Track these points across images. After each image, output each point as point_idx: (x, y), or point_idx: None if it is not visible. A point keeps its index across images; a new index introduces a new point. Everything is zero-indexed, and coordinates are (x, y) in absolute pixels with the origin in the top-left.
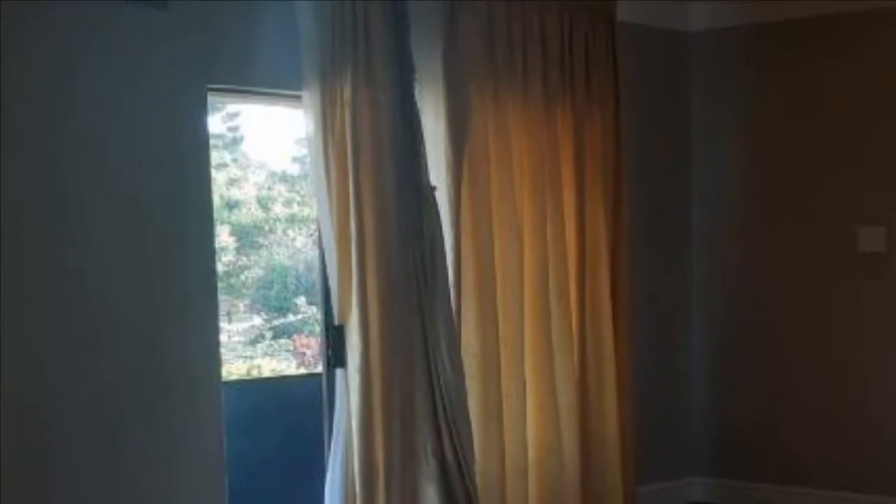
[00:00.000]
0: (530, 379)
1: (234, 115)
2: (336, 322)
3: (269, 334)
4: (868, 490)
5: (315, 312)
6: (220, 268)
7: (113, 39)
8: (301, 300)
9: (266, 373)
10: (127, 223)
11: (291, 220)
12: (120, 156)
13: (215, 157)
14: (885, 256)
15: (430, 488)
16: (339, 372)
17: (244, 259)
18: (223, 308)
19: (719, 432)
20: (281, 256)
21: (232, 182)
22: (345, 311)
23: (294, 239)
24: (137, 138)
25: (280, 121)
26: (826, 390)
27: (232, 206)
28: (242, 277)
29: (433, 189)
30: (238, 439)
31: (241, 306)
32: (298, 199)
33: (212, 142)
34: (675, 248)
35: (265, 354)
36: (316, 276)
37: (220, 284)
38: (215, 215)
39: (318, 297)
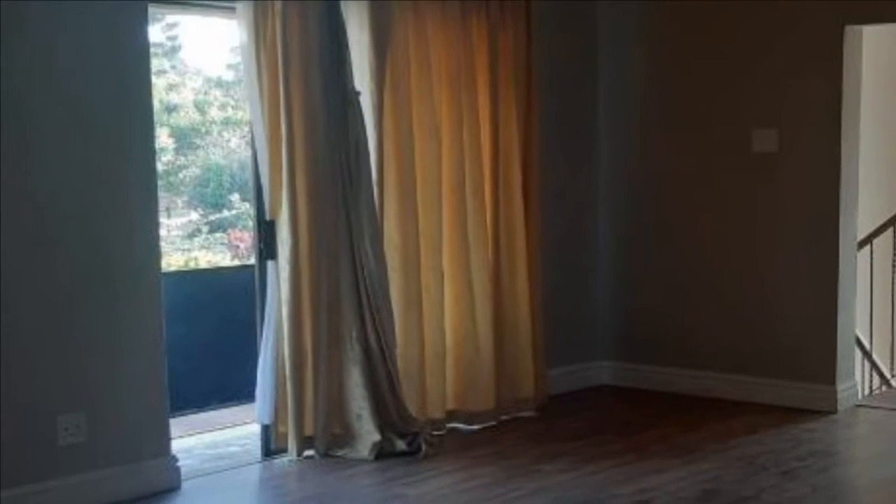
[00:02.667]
0: (448, 270)
1: (173, 26)
2: (267, 217)
3: (205, 229)
4: (761, 373)
5: (248, 208)
6: (159, 167)
7: None
8: (235, 197)
9: (203, 264)
10: (73, 127)
11: (226, 122)
12: (66, 65)
13: (155, 64)
14: (777, 156)
15: (355, 371)
16: (270, 263)
17: (182, 159)
18: (163, 204)
19: (623, 320)
20: (216, 156)
21: (171, 87)
22: (276, 207)
23: (229, 140)
24: (82, 48)
25: (215, 31)
26: (723, 281)
27: (171, 109)
28: (181, 176)
29: (358, 94)
30: (177, 326)
31: (180, 203)
32: (233, 103)
33: (152, 50)
34: (581, 150)
35: (202, 247)
36: (249, 174)
37: (159, 182)
38: (155, 118)
39: (251, 194)
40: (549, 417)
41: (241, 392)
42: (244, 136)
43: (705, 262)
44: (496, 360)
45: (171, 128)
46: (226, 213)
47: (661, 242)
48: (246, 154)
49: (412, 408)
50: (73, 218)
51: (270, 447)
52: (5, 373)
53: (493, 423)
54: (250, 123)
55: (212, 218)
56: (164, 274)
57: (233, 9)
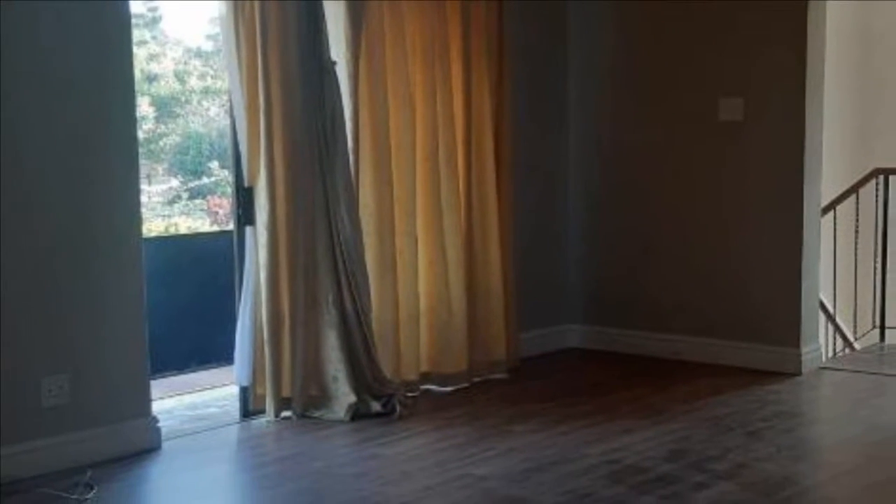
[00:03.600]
0: (421, 235)
1: None
2: (246, 184)
3: (185, 195)
4: (727, 336)
5: (227, 175)
6: (140, 135)
7: None
8: (214, 164)
9: (182, 230)
10: (56, 96)
11: (205, 91)
12: (50, 36)
13: (136, 35)
14: (742, 124)
15: (331, 334)
16: (248, 229)
17: (163, 127)
18: (144, 171)
19: (593, 284)
20: (196, 125)
21: (152, 57)
22: (254, 174)
23: (208, 109)
24: (66, 20)
25: (195, 2)
26: (690, 246)
27: (152, 79)
28: (161, 144)
29: (334, 64)
30: (157, 290)
31: (160, 170)
32: (212, 73)
33: (133, 21)
34: (552, 117)
35: (182, 213)
36: (227, 142)
37: (140, 150)
38: (136, 88)
39: (230, 162)
40: (520, 379)
41: (219, 354)
42: (223, 105)
43: (673, 228)
44: (469, 323)
45: (152, 97)
46: (205, 180)
47: (631, 209)
48: (225, 122)
49: (387, 370)
50: (57, 185)
51: (248, 408)
52: None
53: (466, 384)
54: (229, 93)
55: (191, 185)
56: (145, 239)
57: None
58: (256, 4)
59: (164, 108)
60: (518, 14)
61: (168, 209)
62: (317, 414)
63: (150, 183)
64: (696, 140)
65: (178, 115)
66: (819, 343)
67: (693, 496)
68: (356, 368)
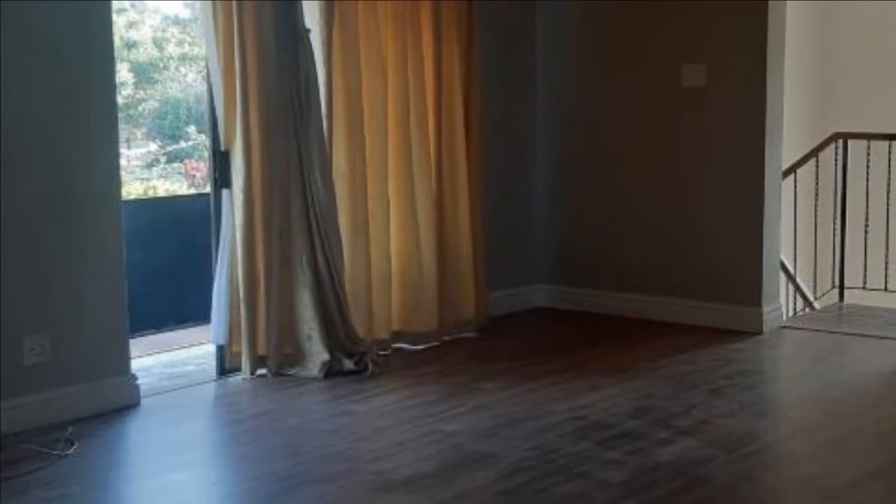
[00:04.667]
0: (393, 198)
1: None
2: (222, 148)
3: (163, 159)
4: (690, 296)
5: (204, 139)
6: (120, 100)
7: None
8: (192, 129)
9: (161, 193)
10: (38, 63)
11: (183, 58)
12: (32, 5)
13: (115, 3)
14: (705, 90)
15: (305, 294)
16: (225, 192)
17: (141, 93)
18: (123, 136)
19: (561, 245)
20: (174, 90)
21: (130, 25)
22: (230, 138)
23: (185, 75)
24: None
25: None
26: (654, 208)
27: (131, 45)
28: (140, 109)
29: (308, 31)
30: (136, 251)
31: (139, 134)
32: (189, 40)
33: None
34: (520, 84)
35: (160, 177)
36: (205, 107)
37: (120, 115)
38: (116, 54)
39: (207, 126)
40: (489, 338)
41: (197, 314)
42: (200, 72)
43: (638, 190)
44: (439, 283)
45: (131, 63)
46: (183, 144)
47: (596, 172)
48: (202, 88)
49: (359, 329)
50: (38, 149)
51: (225, 366)
52: None
53: (437, 343)
54: (206, 59)
55: (169, 149)
56: (124, 202)
57: None
58: None
59: (143, 74)
60: None
61: (147, 172)
62: (291, 371)
63: (129, 147)
64: (660, 105)
65: (156, 81)
66: (780, 303)
67: (657, 452)
68: (329, 327)
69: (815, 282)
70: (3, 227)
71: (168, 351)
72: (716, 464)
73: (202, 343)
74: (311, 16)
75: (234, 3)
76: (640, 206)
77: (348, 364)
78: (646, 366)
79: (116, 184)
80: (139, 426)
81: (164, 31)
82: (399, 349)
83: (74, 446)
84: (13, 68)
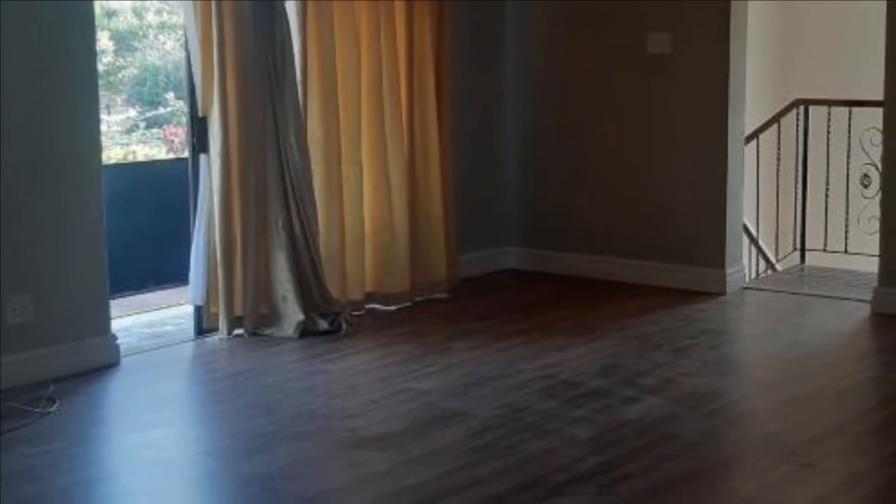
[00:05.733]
0: (366, 163)
1: None
2: (200, 114)
3: (142, 124)
4: (656, 258)
5: (182, 106)
6: (100, 67)
7: None
8: (170, 95)
9: (140, 158)
10: (21, 32)
11: (162, 26)
12: None
13: None
14: (670, 57)
15: (281, 256)
16: (202, 157)
17: (121, 60)
18: (103, 102)
19: (529, 209)
20: (153, 58)
21: None
22: (207, 104)
23: (164, 43)
24: None
25: None
26: (620, 172)
27: (111, 14)
28: (120, 76)
29: (283, 0)
30: (116, 214)
31: (119, 100)
32: (168, 8)
33: None
34: (490, 53)
35: (139, 142)
36: (183, 74)
37: (100, 82)
38: (96, 23)
39: (185, 93)
40: (460, 299)
41: (175, 275)
42: (179, 40)
43: (605, 155)
44: (411, 245)
45: (111, 31)
46: (161, 110)
47: (564, 138)
48: (180, 56)
49: (333, 290)
50: (21, 115)
51: (202, 326)
52: None
53: (409, 304)
54: (184, 28)
55: (148, 114)
56: (105, 166)
57: None
58: None
59: (123, 42)
60: None
61: (126, 138)
62: (267, 332)
63: (109, 113)
64: (626, 73)
65: (135, 49)
66: (743, 264)
67: (623, 409)
68: (304, 288)
69: (776, 244)
70: None
71: (147, 311)
72: (680, 421)
73: (180, 304)
74: None
75: None
76: (606, 171)
77: (323, 324)
78: (612, 326)
79: (97, 148)
80: (119, 384)
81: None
82: (372, 310)
83: (56, 404)
84: None
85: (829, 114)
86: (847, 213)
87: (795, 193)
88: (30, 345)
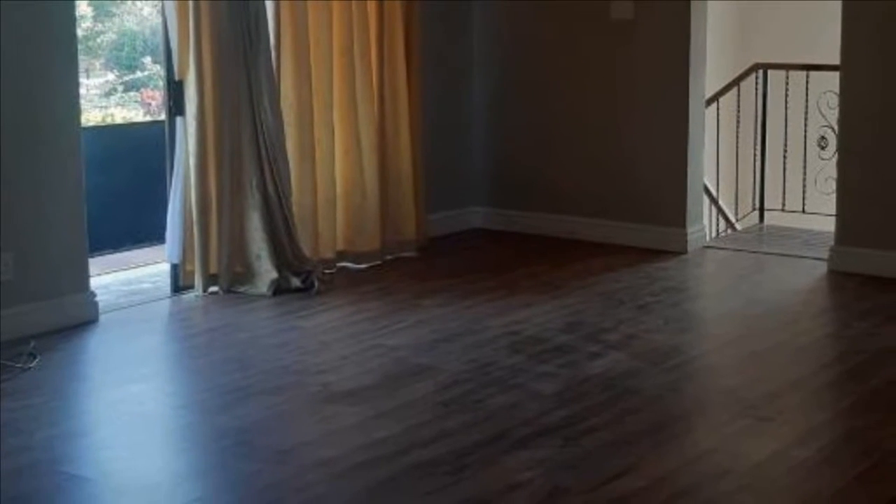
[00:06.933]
0: (338, 125)
1: None
2: (176, 78)
3: (120, 88)
4: (619, 217)
5: (159, 70)
6: (79, 33)
7: None
8: (147, 60)
9: (118, 120)
10: None
11: None
12: None
13: None
14: (632, 23)
15: (255, 216)
16: (178, 119)
17: (100, 25)
18: (82, 66)
19: (496, 170)
20: (130, 23)
21: None
22: (184, 68)
23: (142, 8)
24: None
25: None
26: (584, 134)
27: None
28: (98, 41)
29: None
30: (95, 175)
31: (98, 65)
32: None
33: None
34: (458, 18)
35: (117, 105)
36: (160, 39)
37: (79, 47)
38: None
39: (162, 57)
40: (428, 257)
41: (152, 234)
42: (155, 6)
43: (569, 118)
44: (381, 205)
45: None
46: (139, 74)
47: (530, 101)
48: (157, 21)
49: (306, 249)
50: (3, 79)
51: (179, 284)
52: None
53: (379, 262)
54: None
55: (126, 78)
56: (84, 128)
57: None
58: None
59: (101, 7)
60: None
61: (105, 101)
62: (241, 289)
63: (88, 77)
64: (589, 37)
65: (114, 15)
66: (703, 224)
67: (587, 365)
68: (278, 247)
69: (736, 204)
70: None
71: (125, 269)
72: (643, 376)
73: (157, 262)
74: None
75: None
76: (571, 133)
77: (295, 282)
78: (576, 283)
79: (76, 111)
80: (98, 341)
81: None
82: (343, 268)
83: (37, 360)
84: None
85: (788, 77)
86: (805, 174)
87: (754, 155)
88: (11, 302)
